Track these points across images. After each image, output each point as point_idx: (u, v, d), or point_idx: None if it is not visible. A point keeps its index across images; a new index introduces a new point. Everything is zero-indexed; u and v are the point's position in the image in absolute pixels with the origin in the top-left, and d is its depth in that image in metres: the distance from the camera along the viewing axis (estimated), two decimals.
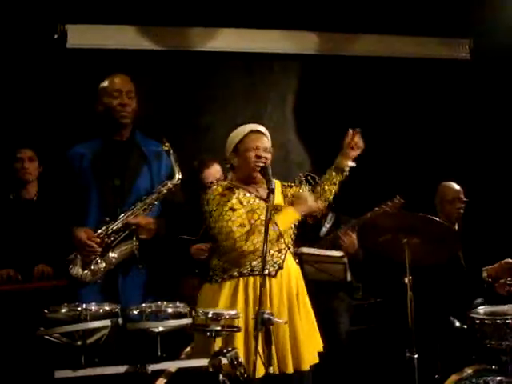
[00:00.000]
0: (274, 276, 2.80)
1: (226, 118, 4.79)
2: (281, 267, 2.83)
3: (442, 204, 4.17)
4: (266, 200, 2.59)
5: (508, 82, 4.98)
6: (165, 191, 2.98)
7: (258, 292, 2.66)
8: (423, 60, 5.08)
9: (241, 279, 2.78)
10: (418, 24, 4.95)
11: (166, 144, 3.00)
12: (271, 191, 2.60)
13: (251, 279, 2.78)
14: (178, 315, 2.33)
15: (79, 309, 2.25)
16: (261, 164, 2.83)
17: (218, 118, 4.83)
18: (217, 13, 4.70)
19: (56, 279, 3.45)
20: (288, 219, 2.83)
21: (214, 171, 3.79)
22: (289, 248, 2.90)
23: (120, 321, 2.31)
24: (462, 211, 4.14)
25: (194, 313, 2.38)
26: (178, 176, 3.00)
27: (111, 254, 2.89)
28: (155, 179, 3.03)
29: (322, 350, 2.92)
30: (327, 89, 4.98)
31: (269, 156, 2.88)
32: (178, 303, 2.38)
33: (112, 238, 2.91)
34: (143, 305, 2.37)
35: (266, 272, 2.73)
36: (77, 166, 3.00)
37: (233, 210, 2.78)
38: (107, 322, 2.26)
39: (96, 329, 2.24)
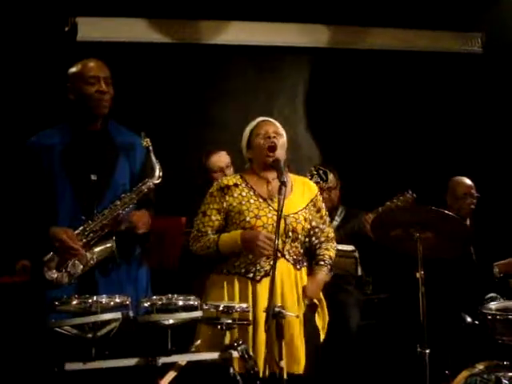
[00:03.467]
0: (259, 282, 2.73)
1: (236, 112, 4.78)
2: (267, 274, 2.71)
3: (453, 199, 4.13)
4: (279, 193, 2.56)
5: None
6: (145, 190, 2.77)
7: (241, 293, 2.71)
8: (436, 54, 5.05)
9: (225, 277, 2.78)
10: (430, 18, 4.92)
11: (146, 139, 2.76)
12: (283, 184, 2.56)
13: (242, 280, 2.75)
14: (188, 308, 2.31)
15: (90, 301, 2.24)
16: (271, 143, 2.80)
17: (229, 111, 4.81)
18: (227, 6, 4.69)
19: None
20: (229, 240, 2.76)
21: (221, 158, 3.79)
22: (283, 255, 2.76)
23: (131, 313, 2.30)
24: (473, 206, 4.10)
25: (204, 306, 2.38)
26: (159, 174, 2.77)
27: (89, 255, 2.69)
28: (133, 172, 2.84)
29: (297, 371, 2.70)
30: (338, 82, 4.95)
31: (281, 141, 2.85)
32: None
33: (89, 238, 2.70)
34: (154, 297, 2.35)
35: (251, 276, 2.74)
36: (45, 160, 2.74)
37: (204, 214, 2.83)
38: (118, 315, 2.25)
39: (106, 321, 2.22)
